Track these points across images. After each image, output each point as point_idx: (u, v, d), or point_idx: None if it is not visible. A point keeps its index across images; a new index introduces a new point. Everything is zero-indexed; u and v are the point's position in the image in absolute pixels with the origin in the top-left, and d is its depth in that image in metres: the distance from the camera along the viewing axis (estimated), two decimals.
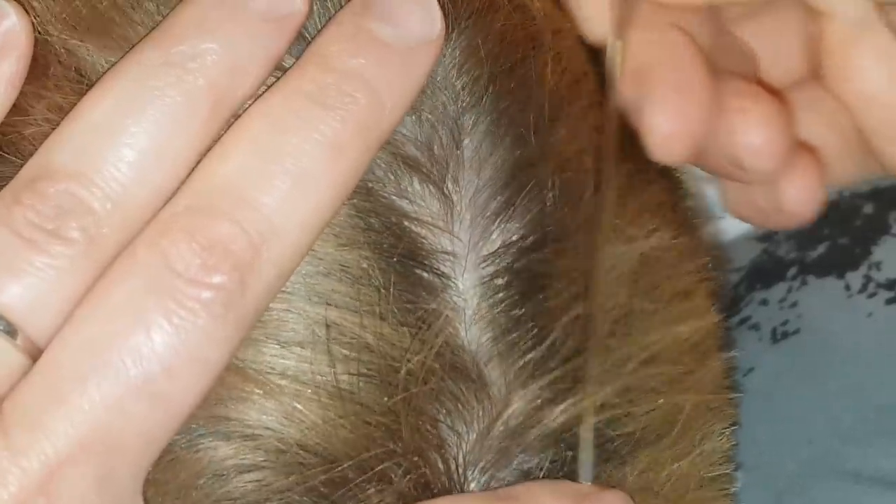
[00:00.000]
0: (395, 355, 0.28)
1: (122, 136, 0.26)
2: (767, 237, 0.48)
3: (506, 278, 0.30)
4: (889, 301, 0.42)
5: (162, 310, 0.25)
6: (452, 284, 0.29)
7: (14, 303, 0.25)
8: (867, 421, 0.41)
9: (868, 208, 0.46)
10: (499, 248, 0.29)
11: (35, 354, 0.26)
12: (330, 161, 0.26)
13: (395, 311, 0.28)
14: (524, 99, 0.30)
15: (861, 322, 0.42)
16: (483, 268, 0.29)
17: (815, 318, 0.43)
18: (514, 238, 0.30)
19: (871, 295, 0.43)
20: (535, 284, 0.30)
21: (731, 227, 0.49)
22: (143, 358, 0.25)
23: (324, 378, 0.27)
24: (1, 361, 0.25)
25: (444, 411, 0.29)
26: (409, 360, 0.28)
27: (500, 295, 0.30)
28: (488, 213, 0.29)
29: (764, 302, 0.45)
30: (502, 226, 0.30)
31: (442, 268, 0.29)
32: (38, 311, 0.25)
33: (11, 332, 0.25)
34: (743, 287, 0.46)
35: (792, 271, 0.45)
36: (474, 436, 0.29)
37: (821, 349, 0.43)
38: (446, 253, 0.29)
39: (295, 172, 0.26)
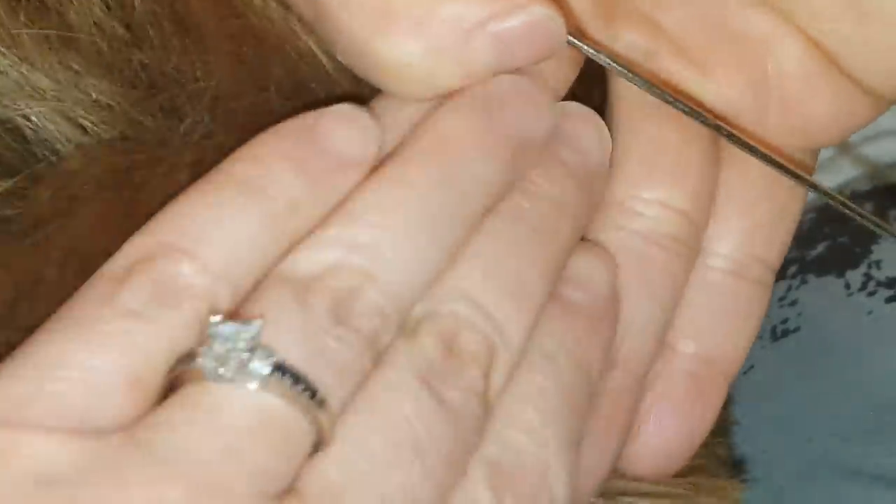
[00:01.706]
0: None
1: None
2: None
3: None
4: (889, 299, 0.42)
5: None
6: None
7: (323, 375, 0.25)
8: (867, 419, 0.41)
9: (868, 207, 0.46)
10: None
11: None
12: (542, 282, 0.27)
13: None
14: None
15: (861, 320, 0.42)
16: None
17: (815, 317, 0.43)
18: None
19: (871, 293, 0.43)
20: None
21: None
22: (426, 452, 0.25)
23: None
24: (305, 435, 0.24)
25: None
26: None
27: None
28: None
29: None
30: None
31: None
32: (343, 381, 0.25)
33: (321, 403, 0.25)
34: None
35: (792, 269, 0.45)
36: None
37: (821, 347, 0.43)
38: None
39: (519, 294, 0.27)
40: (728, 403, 0.31)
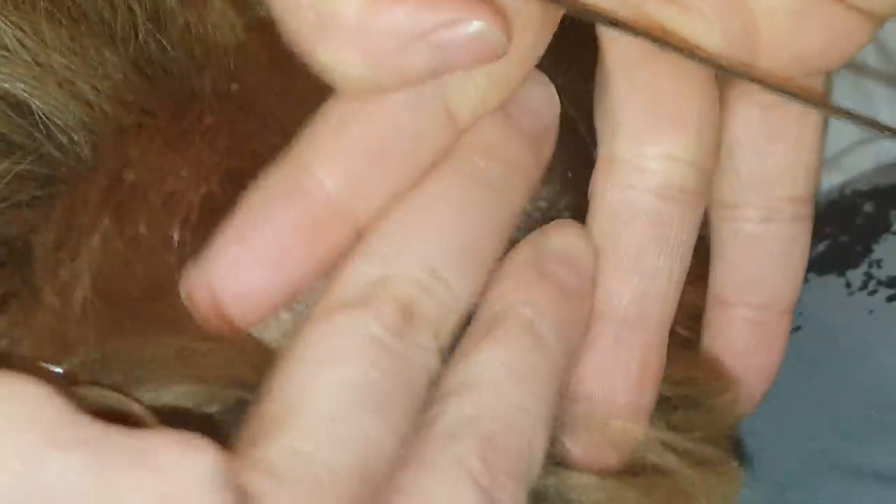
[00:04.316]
0: None
1: None
2: None
3: None
4: (890, 298, 0.42)
5: None
6: None
7: None
8: (868, 417, 0.41)
9: (868, 206, 0.46)
10: None
11: None
12: (496, 244, 0.29)
13: None
14: None
15: (862, 319, 0.42)
16: None
17: (815, 316, 0.43)
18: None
19: (872, 292, 0.43)
20: None
21: None
22: None
23: None
24: None
25: None
26: None
27: None
28: None
29: None
30: None
31: None
32: None
33: None
34: None
35: None
36: None
37: (822, 346, 0.43)
38: None
39: (473, 257, 0.28)
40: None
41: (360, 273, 0.27)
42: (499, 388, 0.27)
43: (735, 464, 0.33)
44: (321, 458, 0.25)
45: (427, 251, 0.27)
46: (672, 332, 0.30)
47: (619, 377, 0.29)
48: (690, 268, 0.30)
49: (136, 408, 0.26)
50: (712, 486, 0.32)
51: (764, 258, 0.31)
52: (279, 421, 0.25)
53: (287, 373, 0.26)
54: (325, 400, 0.25)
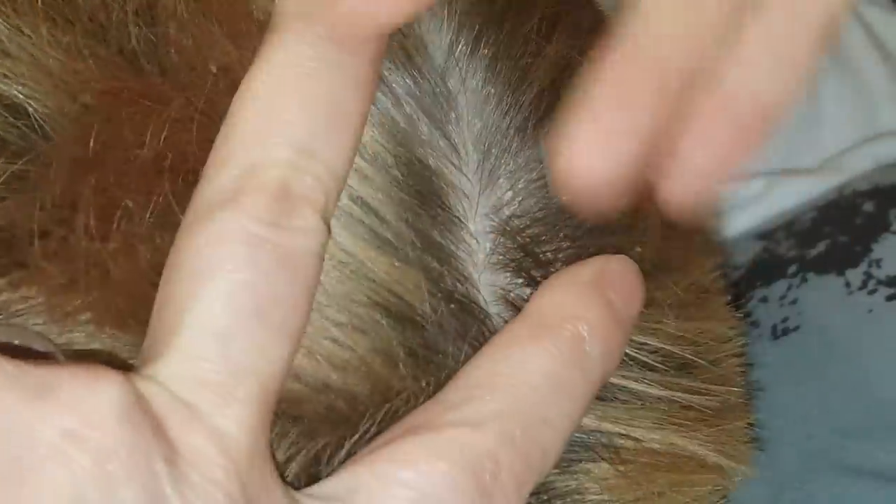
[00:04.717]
0: (406, 294, 0.28)
1: None
2: (768, 235, 0.48)
3: (518, 225, 0.30)
4: (889, 298, 0.42)
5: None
6: (465, 226, 0.29)
7: None
8: (867, 416, 0.41)
9: (868, 206, 0.46)
10: (507, 194, 0.30)
11: None
12: (361, 101, 0.27)
13: (410, 248, 0.28)
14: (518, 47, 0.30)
15: (861, 319, 0.42)
16: (495, 213, 0.30)
17: (815, 315, 0.43)
18: (520, 185, 0.30)
19: (872, 292, 0.43)
20: (546, 233, 0.30)
21: (731, 225, 0.49)
22: None
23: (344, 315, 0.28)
24: None
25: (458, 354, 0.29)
26: (422, 301, 0.28)
27: (512, 241, 0.30)
28: (492, 158, 0.30)
29: (764, 299, 0.45)
30: (508, 170, 0.30)
31: (457, 206, 0.29)
32: None
33: None
34: (743, 284, 0.46)
35: (792, 269, 0.45)
36: None
37: (821, 345, 0.43)
38: (460, 192, 0.29)
39: (337, 119, 0.26)
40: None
41: (224, 171, 0.26)
42: (535, 393, 0.27)
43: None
44: (216, 380, 0.24)
45: (289, 129, 0.26)
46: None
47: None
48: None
49: (45, 344, 0.26)
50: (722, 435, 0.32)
51: (772, 51, 0.29)
52: (167, 341, 0.25)
53: (167, 288, 0.25)
54: (209, 315, 0.24)
